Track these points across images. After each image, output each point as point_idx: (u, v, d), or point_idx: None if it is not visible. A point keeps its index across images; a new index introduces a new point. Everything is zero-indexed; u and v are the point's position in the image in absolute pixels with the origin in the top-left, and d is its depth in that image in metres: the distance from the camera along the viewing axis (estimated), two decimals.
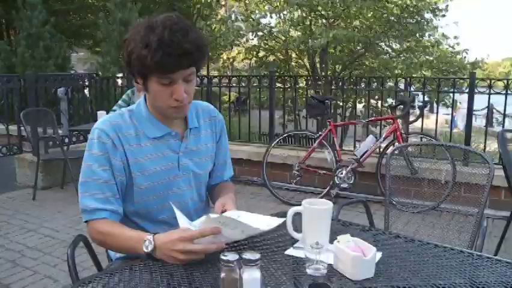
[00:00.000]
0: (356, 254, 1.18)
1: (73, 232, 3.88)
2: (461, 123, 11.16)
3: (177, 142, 1.54)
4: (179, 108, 1.45)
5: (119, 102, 4.80)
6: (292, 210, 1.40)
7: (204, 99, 5.66)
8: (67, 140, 5.67)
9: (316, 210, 1.35)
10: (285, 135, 5.33)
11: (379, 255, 1.26)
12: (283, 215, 1.45)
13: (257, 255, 1.05)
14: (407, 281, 1.17)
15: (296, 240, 1.40)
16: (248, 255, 1.04)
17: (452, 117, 6.22)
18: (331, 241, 1.29)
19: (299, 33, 10.05)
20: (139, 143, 1.48)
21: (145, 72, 1.37)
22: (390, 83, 6.27)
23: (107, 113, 4.75)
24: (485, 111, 6.03)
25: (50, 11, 10.66)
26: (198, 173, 1.60)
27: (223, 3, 13.58)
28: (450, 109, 6.69)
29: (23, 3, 9.55)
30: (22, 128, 5.35)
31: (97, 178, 1.42)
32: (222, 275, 1.02)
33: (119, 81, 7.06)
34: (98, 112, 4.94)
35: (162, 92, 1.40)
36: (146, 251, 1.29)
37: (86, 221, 1.45)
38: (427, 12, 9.72)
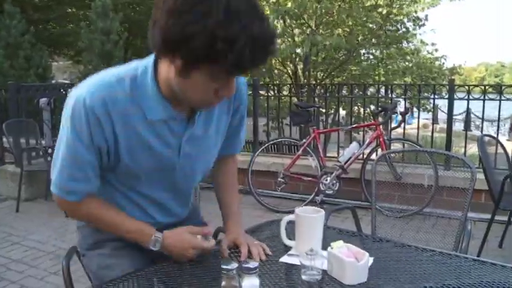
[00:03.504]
0: (349, 260, 1.22)
1: (59, 244, 3.85)
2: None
3: (182, 126, 1.29)
4: (215, 104, 1.27)
5: None
6: (285, 219, 1.44)
7: None
8: (50, 151, 5.60)
9: (309, 218, 1.40)
10: (269, 143, 5.37)
11: (371, 260, 1.31)
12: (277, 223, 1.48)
13: (256, 263, 1.08)
14: (399, 284, 1.22)
15: (290, 248, 1.43)
16: (247, 263, 1.08)
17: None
18: (323, 247, 1.33)
19: (283, 41, 10.12)
20: (135, 124, 1.23)
21: (203, 61, 1.07)
22: (372, 90, 6.38)
23: None
24: (464, 115, 6.17)
25: (30, 20, 10.54)
26: (202, 158, 1.41)
27: None
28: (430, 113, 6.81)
29: (1, 12, 9.43)
30: (4, 139, 5.29)
31: (78, 156, 1.23)
32: (223, 283, 1.04)
33: None
34: None
35: (208, 86, 1.15)
36: (153, 248, 1.32)
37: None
38: (408, 21, 9.94)
